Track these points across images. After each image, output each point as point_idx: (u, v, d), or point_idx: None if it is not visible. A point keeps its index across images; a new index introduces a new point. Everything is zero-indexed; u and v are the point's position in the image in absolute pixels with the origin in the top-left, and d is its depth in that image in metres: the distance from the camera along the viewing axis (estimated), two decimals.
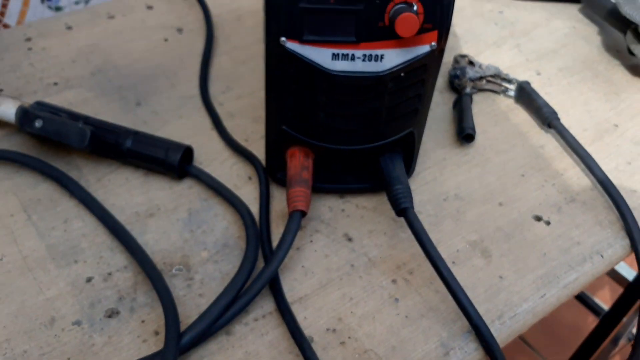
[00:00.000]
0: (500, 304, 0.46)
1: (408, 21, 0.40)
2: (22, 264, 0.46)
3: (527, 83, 0.63)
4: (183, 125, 0.58)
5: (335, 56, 0.43)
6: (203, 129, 0.58)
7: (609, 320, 0.88)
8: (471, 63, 0.66)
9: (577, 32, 0.75)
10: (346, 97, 0.45)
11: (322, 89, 0.44)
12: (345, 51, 0.43)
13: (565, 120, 0.62)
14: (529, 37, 0.74)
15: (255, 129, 0.59)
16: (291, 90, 0.45)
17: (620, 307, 0.87)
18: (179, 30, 0.70)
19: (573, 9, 0.79)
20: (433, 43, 0.43)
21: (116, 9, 0.73)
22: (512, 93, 0.64)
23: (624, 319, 0.87)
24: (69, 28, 0.70)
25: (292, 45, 0.42)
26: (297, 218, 0.46)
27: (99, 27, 0.70)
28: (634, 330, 1.07)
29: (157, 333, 0.43)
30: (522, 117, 0.63)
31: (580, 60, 0.71)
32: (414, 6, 0.41)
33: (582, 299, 1.22)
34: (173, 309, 0.41)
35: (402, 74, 0.44)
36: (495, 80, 0.65)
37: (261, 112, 0.61)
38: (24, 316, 0.43)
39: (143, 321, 0.43)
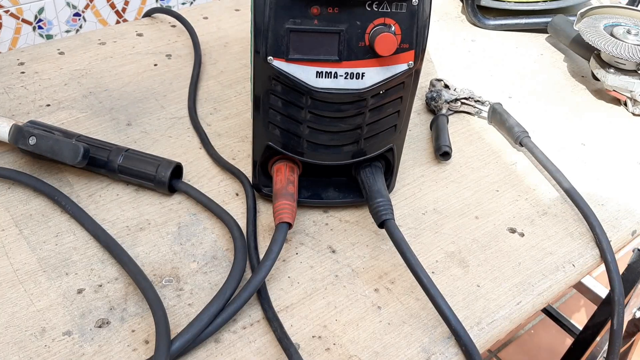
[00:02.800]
0: (479, 311, 0.48)
1: (386, 41, 0.43)
2: (12, 276, 0.47)
3: (499, 104, 0.66)
4: (172, 144, 0.61)
5: (319, 74, 0.45)
6: (192, 148, 0.60)
7: (583, 340, 0.90)
8: (446, 86, 0.70)
9: (545, 59, 0.80)
10: (329, 113, 0.47)
11: (307, 106, 0.47)
12: (328, 69, 0.45)
13: (536, 139, 0.65)
14: (500, 63, 0.78)
15: (242, 148, 0.61)
16: (277, 107, 0.48)
17: (594, 326, 0.89)
18: (168, 56, 0.73)
19: (540, 38, 0.84)
20: (410, 62, 0.46)
21: (107, 36, 0.76)
22: (485, 114, 0.68)
23: (598, 338, 0.89)
24: (61, 53, 0.72)
25: (279, 64, 0.45)
26: (283, 229, 0.48)
27: (90, 52, 0.73)
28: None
29: (147, 342, 0.44)
30: (495, 136, 0.66)
31: (549, 85, 0.75)
32: (391, 27, 0.44)
33: (559, 321, 1.24)
34: (163, 316, 0.43)
35: (382, 91, 0.47)
36: (469, 102, 0.68)
37: (247, 132, 0.63)
38: (14, 327, 0.44)
39: (133, 330, 0.45)
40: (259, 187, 0.55)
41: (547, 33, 0.84)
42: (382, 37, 0.43)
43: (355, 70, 0.45)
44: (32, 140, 0.52)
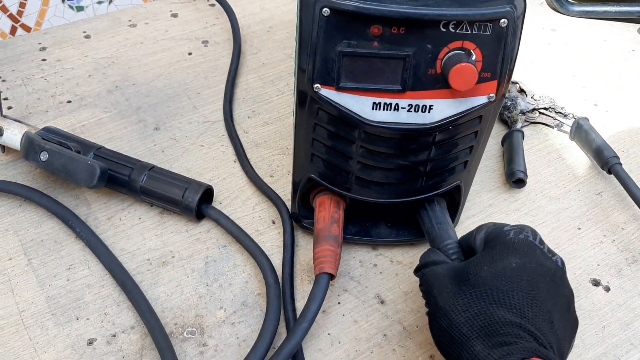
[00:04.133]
0: None
1: (464, 73, 0.34)
2: (17, 319, 0.42)
3: (586, 120, 0.56)
4: (204, 155, 0.53)
5: (376, 105, 0.37)
6: (225, 161, 0.53)
7: None
8: (522, 91, 0.60)
9: (636, 56, 0.68)
10: (386, 149, 0.39)
11: (359, 140, 0.39)
12: (388, 100, 0.37)
13: (625, 161, 0.54)
14: (584, 60, 0.67)
15: (282, 162, 0.53)
16: (323, 138, 0.40)
17: None
18: (204, 42, 0.65)
19: (632, 29, 0.71)
20: (491, 95, 0.37)
21: (139, 16, 0.68)
22: (567, 128, 0.58)
23: None
24: (87, 37, 0.65)
25: (327, 93, 0.37)
26: (323, 282, 0.40)
27: (119, 36, 0.65)
28: None
29: None
30: (577, 156, 0.56)
31: None
32: (472, 54, 0.35)
33: None
34: None
35: (452, 127, 0.38)
36: (549, 113, 0.58)
37: (288, 142, 0.55)
38: None
39: None
40: (298, 218, 0.47)
41: None
42: (459, 69, 0.34)
43: (421, 103, 0.37)
44: (43, 156, 0.46)
